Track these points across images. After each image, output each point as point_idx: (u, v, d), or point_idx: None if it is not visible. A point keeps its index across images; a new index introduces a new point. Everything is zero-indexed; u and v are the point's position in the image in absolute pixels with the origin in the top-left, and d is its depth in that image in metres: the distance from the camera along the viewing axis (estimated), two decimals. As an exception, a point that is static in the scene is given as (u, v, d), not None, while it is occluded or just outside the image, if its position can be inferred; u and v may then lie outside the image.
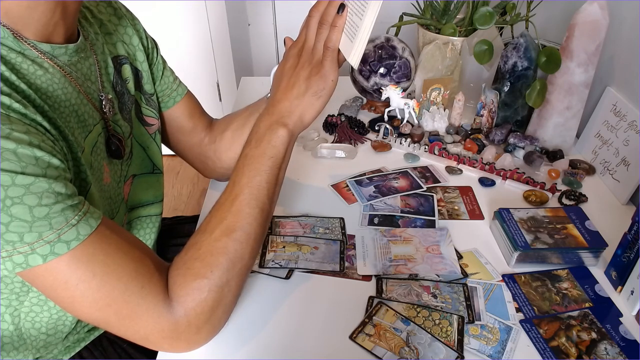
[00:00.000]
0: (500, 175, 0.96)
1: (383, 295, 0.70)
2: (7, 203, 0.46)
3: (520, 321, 0.67)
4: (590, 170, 0.99)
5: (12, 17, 0.53)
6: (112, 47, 0.72)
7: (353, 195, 0.91)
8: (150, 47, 0.79)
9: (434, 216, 0.86)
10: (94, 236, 0.52)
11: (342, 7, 0.64)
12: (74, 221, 0.50)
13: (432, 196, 0.91)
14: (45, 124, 0.52)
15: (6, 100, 0.49)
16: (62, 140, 0.55)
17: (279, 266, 0.75)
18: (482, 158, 1.00)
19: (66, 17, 0.58)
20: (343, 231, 0.82)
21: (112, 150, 0.67)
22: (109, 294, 0.52)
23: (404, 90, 1.12)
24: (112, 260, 0.53)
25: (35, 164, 0.48)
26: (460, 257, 0.77)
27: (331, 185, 0.94)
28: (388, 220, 0.85)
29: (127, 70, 0.73)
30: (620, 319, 0.68)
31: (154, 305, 0.55)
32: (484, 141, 1.06)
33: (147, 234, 0.82)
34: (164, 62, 0.83)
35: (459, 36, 1.14)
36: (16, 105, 0.49)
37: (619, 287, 0.72)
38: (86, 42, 0.64)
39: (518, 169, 0.97)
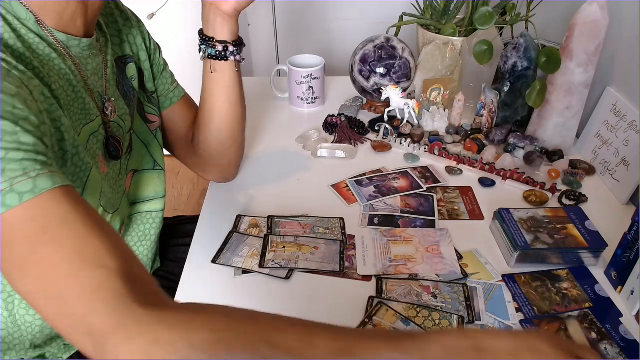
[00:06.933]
0: (500, 175, 0.96)
1: (383, 296, 0.70)
2: None
3: (520, 321, 0.67)
4: (590, 170, 0.99)
5: (32, 2, 0.56)
6: (118, 47, 0.74)
7: (353, 195, 0.91)
8: (153, 49, 0.82)
9: (434, 216, 0.86)
10: (56, 193, 0.44)
11: None
12: (33, 174, 0.44)
13: (432, 196, 0.91)
14: (48, 93, 0.53)
15: (13, 62, 0.50)
16: (58, 119, 0.55)
17: (279, 266, 0.75)
18: (482, 158, 1.00)
19: (86, 12, 0.61)
20: (343, 231, 0.82)
21: (110, 151, 0.69)
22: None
23: (404, 90, 1.12)
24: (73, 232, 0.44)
25: (8, 110, 0.45)
26: (460, 257, 0.77)
27: (331, 185, 0.94)
28: (388, 221, 0.85)
29: (132, 68, 0.76)
30: (620, 319, 0.68)
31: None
32: (484, 141, 1.06)
33: (148, 230, 0.83)
34: (166, 64, 0.86)
35: (459, 36, 1.14)
36: (22, 67, 0.51)
37: (619, 287, 0.72)
38: (97, 42, 0.67)
39: (518, 169, 0.97)
